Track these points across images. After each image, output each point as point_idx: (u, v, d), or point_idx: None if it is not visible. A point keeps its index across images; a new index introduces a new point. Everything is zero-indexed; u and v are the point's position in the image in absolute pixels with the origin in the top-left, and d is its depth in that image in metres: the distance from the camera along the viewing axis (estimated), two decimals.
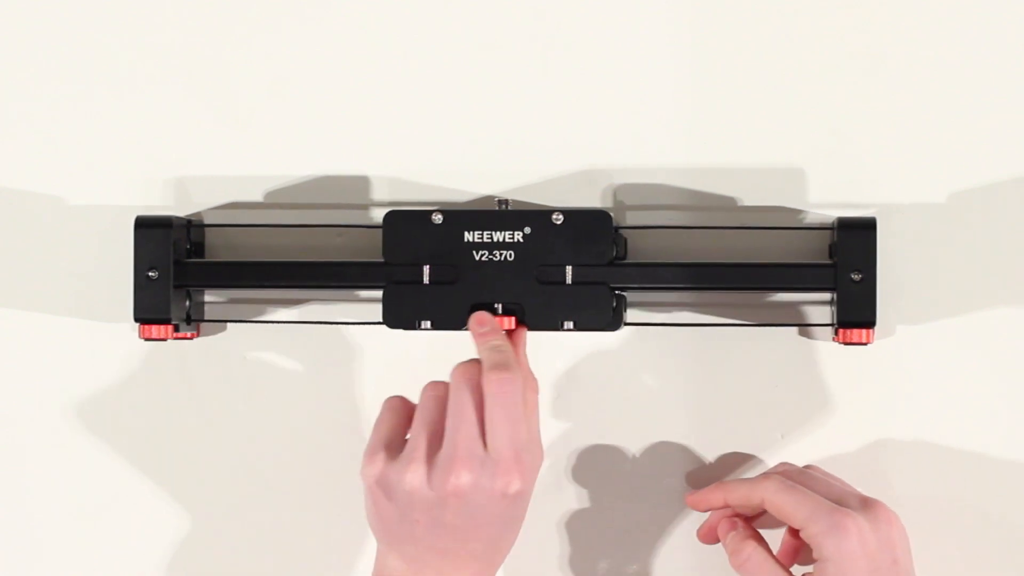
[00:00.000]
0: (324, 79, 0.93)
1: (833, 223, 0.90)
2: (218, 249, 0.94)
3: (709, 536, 0.91)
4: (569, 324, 0.88)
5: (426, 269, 0.87)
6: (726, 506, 0.90)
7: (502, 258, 0.87)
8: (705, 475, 0.93)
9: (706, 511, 0.91)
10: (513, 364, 0.83)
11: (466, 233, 0.87)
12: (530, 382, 0.85)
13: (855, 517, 0.84)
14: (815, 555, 0.84)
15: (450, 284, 0.87)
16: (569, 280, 0.87)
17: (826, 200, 0.92)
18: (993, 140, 0.92)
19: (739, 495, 0.88)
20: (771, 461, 0.92)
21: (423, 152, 0.93)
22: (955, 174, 0.92)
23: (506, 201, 0.89)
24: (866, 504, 0.86)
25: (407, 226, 0.88)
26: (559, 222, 0.88)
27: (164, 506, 0.95)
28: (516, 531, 0.85)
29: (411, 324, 0.88)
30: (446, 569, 0.83)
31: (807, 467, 0.90)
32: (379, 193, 0.93)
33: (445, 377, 0.85)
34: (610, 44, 0.92)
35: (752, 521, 0.90)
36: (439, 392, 0.84)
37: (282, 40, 0.93)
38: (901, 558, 0.85)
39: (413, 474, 0.82)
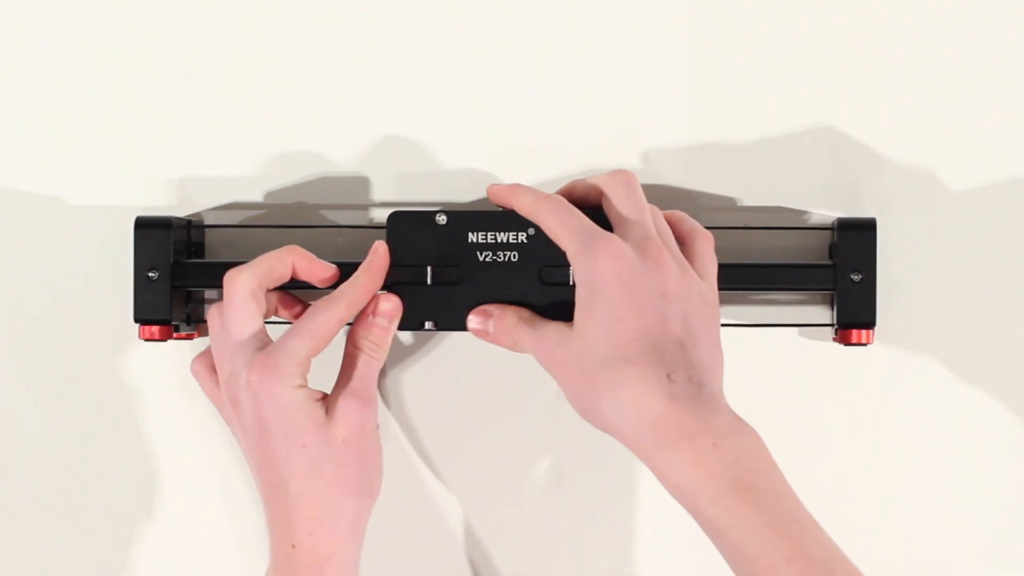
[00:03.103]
0: (324, 79, 0.93)
1: (833, 223, 0.90)
2: (218, 249, 0.94)
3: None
4: None
5: (429, 270, 0.87)
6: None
7: (506, 259, 0.87)
8: None
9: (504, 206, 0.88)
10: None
11: (470, 234, 0.87)
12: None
13: (614, 240, 0.82)
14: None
15: (454, 285, 0.87)
16: (572, 281, 0.86)
17: (826, 200, 0.92)
18: (993, 140, 0.92)
19: (522, 204, 0.85)
20: None
21: (424, 153, 0.93)
22: (955, 174, 0.92)
23: None
24: (642, 242, 0.82)
25: (411, 227, 0.88)
26: None
27: (164, 507, 0.95)
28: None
29: (415, 325, 0.88)
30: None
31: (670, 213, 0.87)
32: (379, 193, 0.93)
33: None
34: (611, 44, 0.92)
35: None
36: None
37: (282, 40, 0.93)
38: (676, 299, 0.81)
39: None
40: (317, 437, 0.84)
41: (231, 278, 0.86)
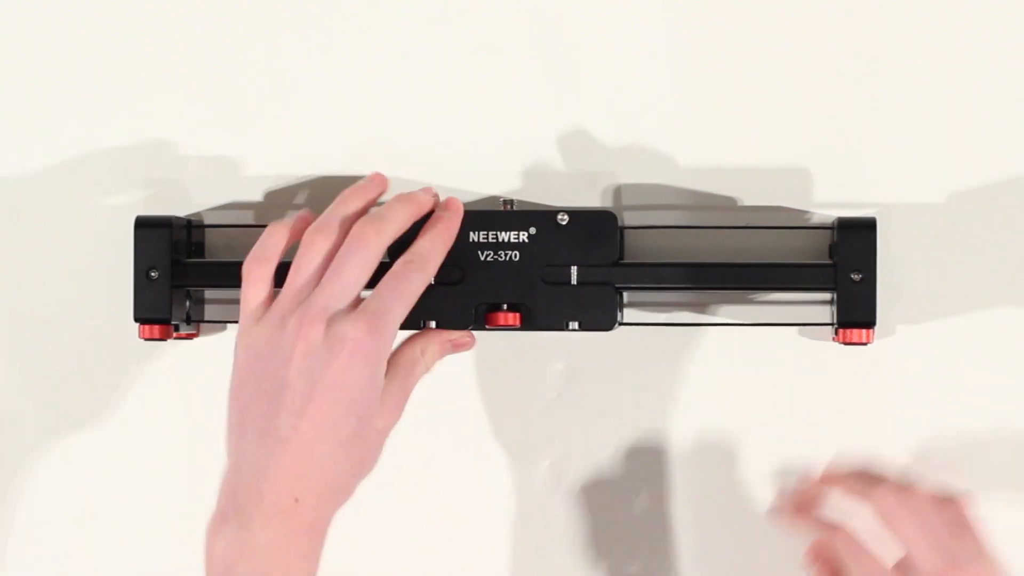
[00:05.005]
0: (325, 79, 0.93)
1: (833, 223, 0.90)
2: (218, 249, 0.94)
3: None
4: (574, 324, 0.87)
5: None
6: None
7: (507, 258, 0.87)
8: (706, 475, 0.93)
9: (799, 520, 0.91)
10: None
11: (471, 233, 0.88)
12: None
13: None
14: None
15: (455, 284, 0.87)
16: (574, 281, 0.87)
17: (826, 200, 0.92)
18: (993, 140, 0.92)
19: (847, 486, 0.88)
20: (769, 461, 0.92)
21: (424, 153, 0.93)
22: (955, 174, 0.92)
23: (511, 201, 0.89)
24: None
25: (412, 226, 0.88)
26: (564, 223, 0.88)
27: (163, 506, 0.95)
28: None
29: (416, 324, 0.88)
30: None
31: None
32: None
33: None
34: (612, 45, 0.92)
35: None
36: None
37: (283, 40, 0.93)
38: None
39: None
40: (368, 417, 0.82)
41: (377, 229, 0.83)
